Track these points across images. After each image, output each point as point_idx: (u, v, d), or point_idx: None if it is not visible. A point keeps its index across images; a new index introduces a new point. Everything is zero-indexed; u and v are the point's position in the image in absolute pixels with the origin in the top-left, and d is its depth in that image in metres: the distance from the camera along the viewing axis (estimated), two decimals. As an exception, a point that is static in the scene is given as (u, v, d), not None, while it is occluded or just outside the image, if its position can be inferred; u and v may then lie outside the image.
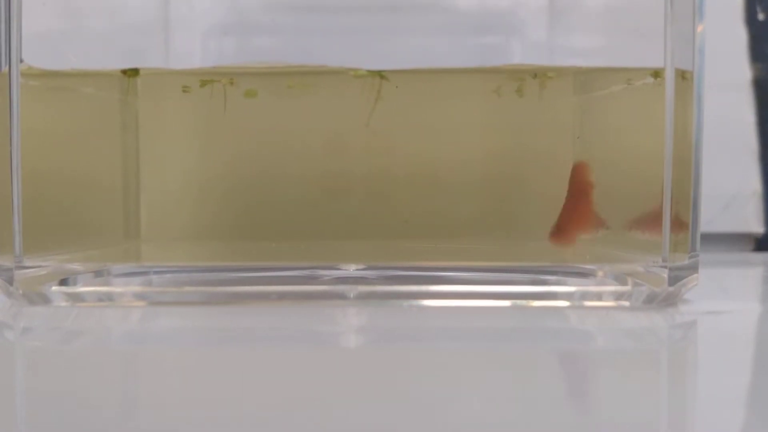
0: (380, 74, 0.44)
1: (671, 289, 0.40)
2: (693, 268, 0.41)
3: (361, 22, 0.46)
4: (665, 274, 0.40)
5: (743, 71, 0.67)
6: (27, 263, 0.40)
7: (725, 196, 0.66)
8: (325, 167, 0.45)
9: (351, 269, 0.43)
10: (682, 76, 0.40)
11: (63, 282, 0.41)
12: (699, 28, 0.40)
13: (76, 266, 0.42)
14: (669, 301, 0.40)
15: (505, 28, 0.46)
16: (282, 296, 0.41)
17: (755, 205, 0.67)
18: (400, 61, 0.45)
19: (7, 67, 0.39)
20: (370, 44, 0.46)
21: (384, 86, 0.44)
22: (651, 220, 0.41)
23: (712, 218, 0.66)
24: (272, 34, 0.46)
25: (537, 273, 0.43)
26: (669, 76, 0.39)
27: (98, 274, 0.43)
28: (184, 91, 0.44)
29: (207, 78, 0.44)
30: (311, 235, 0.45)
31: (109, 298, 0.41)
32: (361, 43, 0.46)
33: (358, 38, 0.46)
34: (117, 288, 0.42)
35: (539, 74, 0.44)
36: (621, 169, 0.44)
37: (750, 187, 0.67)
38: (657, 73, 0.40)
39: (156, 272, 0.44)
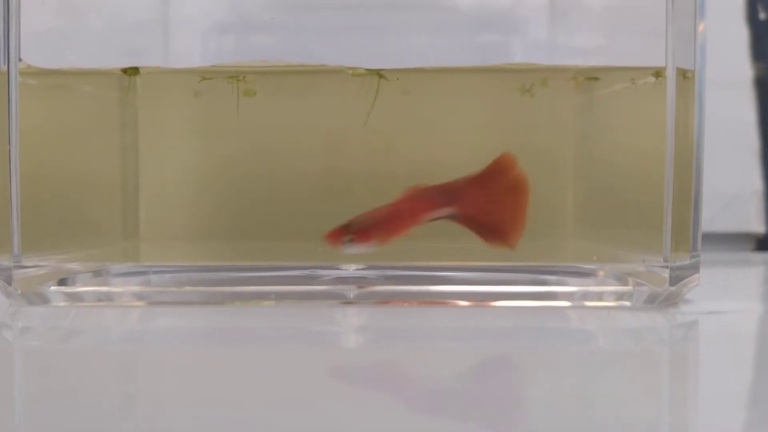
0: (378, 73, 0.44)
1: (672, 288, 0.40)
2: (694, 268, 0.41)
3: (361, 20, 0.46)
4: (666, 273, 0.39)
5: (744, 70, 0.67)
6: (26, 263, 0.40)
7: (726, 195, 0.66)
8: (324, 166, 0.45)
9: (351, 269, 0.43)
10: (684, 74, 0.40)
11: (62, 282, 0.41)
12: (700, 27, 0.40)
13: (74, 266, 0.42)
14: (670, 300, 0.40)
15: (506, 27, 0.46)
16: (281, 296, 0.41)
17: (756, 204, 0.67)
18: (399, 60, 0.45)
19: (6, 65, 0.39)
20: (369, 43, 0.46)
21: (384, 80, 0.44)
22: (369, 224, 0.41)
23: (713, 217, 0.66)
24: (271, 32, 0.46)
25: (538, 273, 0.43)
26: (670, 74, 0.39)
27: (97, 273, 0.43)
28: (196, 96, 0.44)
29: (207, 76, 0.44)
30: (311, 235, 0.45)
31: (107, 297, 0.41)
32: (360, 41, 0.46)
33: (357, 37, 0.46)
34: (116, 288, 0.42)
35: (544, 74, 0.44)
36: (622, 167, 0.44)
37: (751, 186, 0.67)
38: (658, 72, 0.40)
39: (155, 272, 0.43)
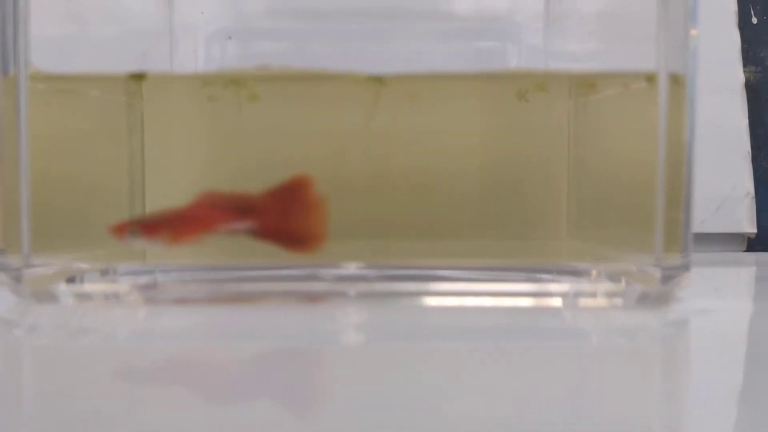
0: (379, 79, 0.44)
1: (664, 288, 0.40)
2: (685, 268, 0.40)
3: (359, 27, 0.46)
4: (658, 273, 0.40)
5: (736, 74, 0.67)
6: (35, 262, 0.41)
7: (718, 197, 0.67)
8: (327, 170, 0.45)
9: (351, 268, 0.43)
10: (675, 79, 0.40)
11: (70, 281, 0.42)
12: (692, 33, 0.40)
13: (82, 265, 0.42)
14: (662, 299, 0.40)
15: (502, 34, 0.46)
16: (285, 294, 0.41)
17: (747, 206, 0.67)
18: (399, 65, 0.45)
19: (16, 70, 0.40)
20: (367, 49, 0.46)
21: (397, 94, 0.44)
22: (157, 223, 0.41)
23: (705, 219, 0.66)
24: (274, 39, 0.46)
25: (532, 272, 0.43)
26: (662, 80, 0.39)
27: (104, 272, 0.43)
28: (210, 100, 0.44)
29: (208, 82, 0.44)
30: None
31: (115, 296, 0.41)
32: (358, 47, 0.46)
33: (356, 43, 0.46)
34: (123, 286, 0.42)
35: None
36: (615, 171, 0.44)
37: (742, 189, 0.67)
38: (651, 77, 0.40)
39: (161, 271, 0.44)
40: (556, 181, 0.46)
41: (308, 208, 0.43)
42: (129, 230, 0.41)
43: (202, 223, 0.41)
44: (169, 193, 0.46)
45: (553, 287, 0.42)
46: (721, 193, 0.67)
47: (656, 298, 0.40)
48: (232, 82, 0.44)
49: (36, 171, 0.40)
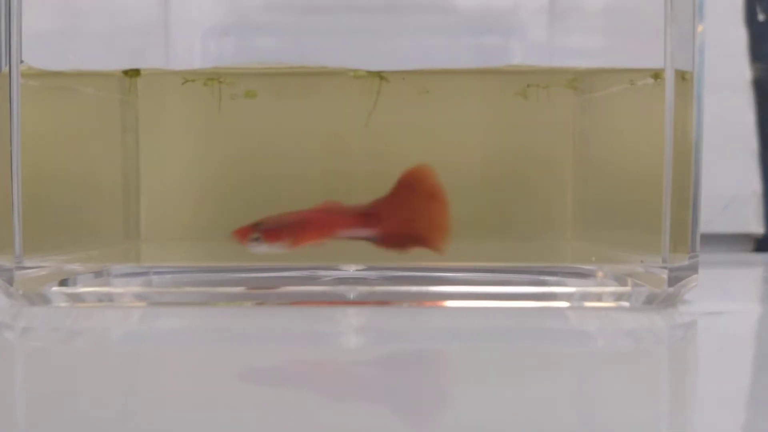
0: (380, 75, 0.44)
1: (671, 289, 0.40)
2: (693, 269, 0.41)
3: (361, 22, 0.46)
4: (665, 274, 0.40)
5: (743, 71, 0.67)
6: (27, 264, 0.40)
7: (725, 197, 0.67)
8: (325, 167, 0.45)
9: (351, 270, 0.43)
10: (682, 76, 0.40)
11: (63, 282, 0.41)
12: (699, 29, 0.40)
13: (76, 267, 0.42)
14: (669, 301, 0.40)
15: (506, 29, 0.46)
16: (282, 297, 0.41)
17: (755, 205, 0.67)
18: (400, 61, 0.45)
19: (8, 67, 0.40)
20: (369, 45, 0.46)
21: (385, 82, 0.44)
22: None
23: (712, 218, 0.66)
24: (272, 34, 0.46)
25: (537, 273, 0.43)
26: (669, 76, 0.39)
27: (98, 274, 0.43)
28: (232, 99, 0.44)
29: (189, 78, 0.44)
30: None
31: (108, 298, 0.41)
32: (360, 43, 0.46)
33: (357, 39, 0.46)
34: (117, 288, 0.42)
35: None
36: (622, 169, 0.44)
37: (750, 188, 0.67)
38: (657, 74, 0.40)
39: (156, 272, 0.44)
40: (561, 181, 0.46)
41: (428, 200, 0.42)
42: (252, 236, 0.41)
43: (324, 228, 0.42)
44: (164, 190, 0.46)
45: (559, 289, 0.42)
46: (729, 193, 0.66)
47: (663, 300, 0.40)
48: (209, 78, 0.44)
49: (28, 170, 0.40)
